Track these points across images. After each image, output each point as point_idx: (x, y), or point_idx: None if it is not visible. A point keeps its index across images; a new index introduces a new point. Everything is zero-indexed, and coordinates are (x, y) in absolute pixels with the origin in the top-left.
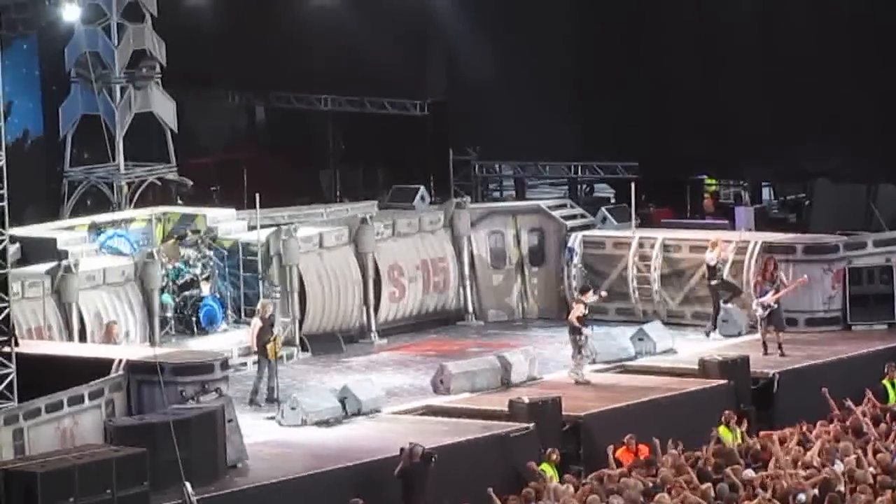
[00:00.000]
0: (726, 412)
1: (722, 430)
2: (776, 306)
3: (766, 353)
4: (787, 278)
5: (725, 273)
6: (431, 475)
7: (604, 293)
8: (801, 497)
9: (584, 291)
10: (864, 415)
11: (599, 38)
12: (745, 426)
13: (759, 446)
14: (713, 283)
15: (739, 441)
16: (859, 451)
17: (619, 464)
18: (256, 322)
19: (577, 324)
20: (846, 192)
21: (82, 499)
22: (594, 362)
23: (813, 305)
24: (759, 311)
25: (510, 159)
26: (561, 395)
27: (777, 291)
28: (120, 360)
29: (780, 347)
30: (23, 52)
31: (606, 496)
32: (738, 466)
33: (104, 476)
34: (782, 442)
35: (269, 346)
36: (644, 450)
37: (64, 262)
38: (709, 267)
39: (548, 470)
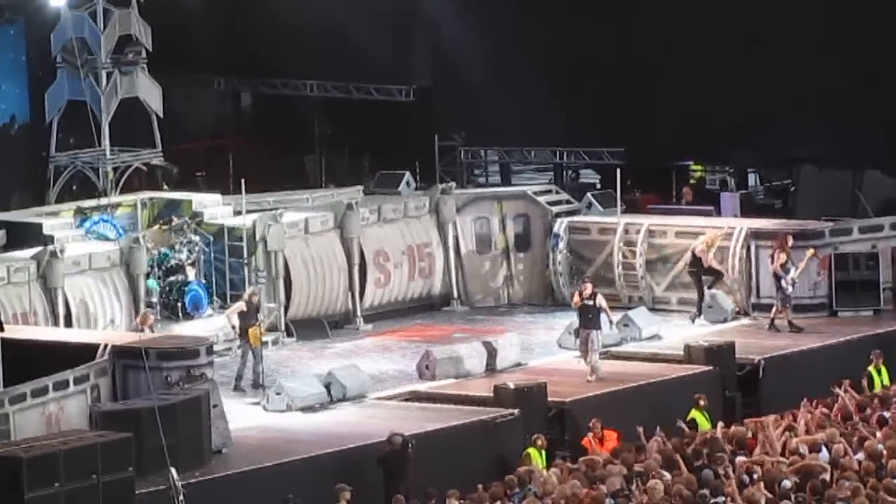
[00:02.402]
0: (696, 395)
1: (694, 412)
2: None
3: (795, 330)
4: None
5: (707, 259)
6: (412, 461)
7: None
8: (787, 483)
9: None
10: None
11: (585, 24)
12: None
13: (744, 432)
14: (692, 269)
15: (710, 424)
16: (843, 440)
17: (585, 451)
18: (239, 304)
19: None
20: (832, 178)
21: (67, 484)
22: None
23: (799, 292)
24: (790, 290)
25: (495, 145)
26: (546, 381)
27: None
28: (105, 346)
29: (791, 325)
30: (10, 37)
31: (590, 483)
32: (723, 454)
33: (89, 461)
34: (766, 427)
35: (251, 332)
36: (610, 435)
37: (49, 248)
38: (693, 254)
39: (534, 455)
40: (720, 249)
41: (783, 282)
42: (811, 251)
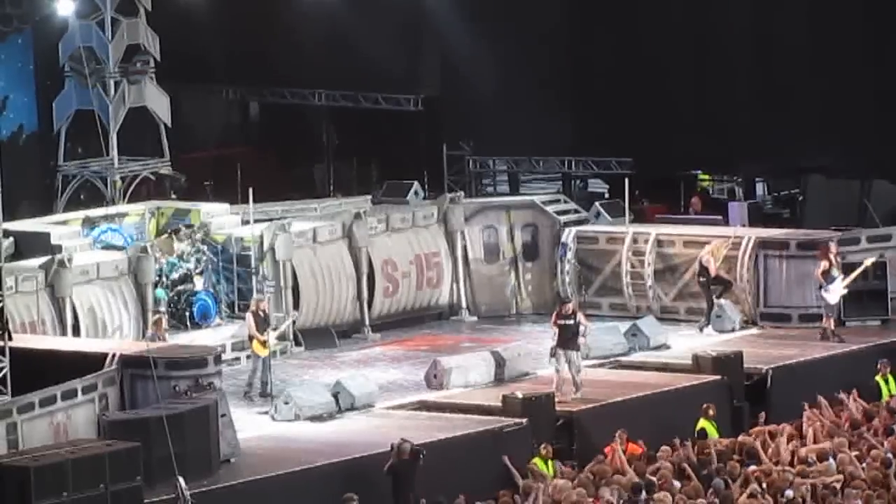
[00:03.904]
0: (705, 405)
1: (703, 422)
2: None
3: (836, 340)
4: (782, 274)
5: (713, 269)
6: (421, 471)
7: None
8: (789, 493)
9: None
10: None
11: (593, 33)
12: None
13: (752, 442)
14: (702, 279)
15: (718, 433)
16: (846, 450)
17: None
18: (249, 317)
19: None
20: (840, 187)
21: (75, 493)
22: (587, 357)
23: (806, 301)
24: (831, 298)
25: (504, 154)
26: (554, 391)
27: (846, 276)
28: (113, 355)
29: (834, 335)
30: (18, 46)
31: (596, 490)
32: (733, 463)
33: (97, 470)
34: (773, 436)
35: (255, 342)
36: (634, 448)
37: (58, 257)
38: (700, 264)
39: (539, 464)
40: (728, 259)
41: (822, 290)
42: (870, 260)
